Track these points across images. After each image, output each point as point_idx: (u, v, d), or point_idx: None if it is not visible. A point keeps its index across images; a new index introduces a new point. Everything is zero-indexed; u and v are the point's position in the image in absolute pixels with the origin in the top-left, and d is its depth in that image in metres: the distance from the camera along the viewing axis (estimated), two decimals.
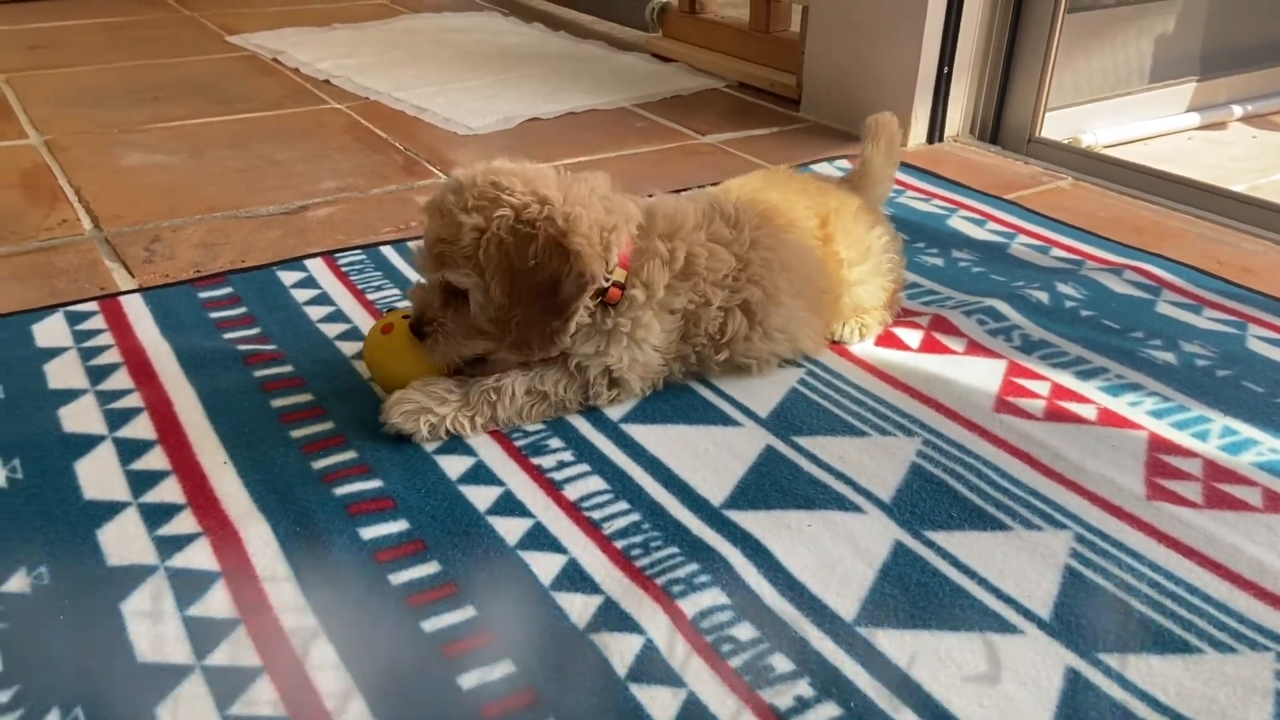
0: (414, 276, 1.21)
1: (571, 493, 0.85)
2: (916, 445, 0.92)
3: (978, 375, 1.03)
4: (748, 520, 0.81)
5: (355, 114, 1.87)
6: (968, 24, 1.72)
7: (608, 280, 0.91)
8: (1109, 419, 0.96)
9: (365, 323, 1.11)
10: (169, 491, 0.82)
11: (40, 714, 0.62)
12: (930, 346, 1.08)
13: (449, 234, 0.87)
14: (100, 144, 1.65)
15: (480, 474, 0.87)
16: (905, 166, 1.65)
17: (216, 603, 0.71)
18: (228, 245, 1.30)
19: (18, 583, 0.72)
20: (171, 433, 0.90)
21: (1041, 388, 1.01)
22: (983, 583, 0.76)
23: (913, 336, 1.10)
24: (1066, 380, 1.02)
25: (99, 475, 0.84)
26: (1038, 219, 1.45)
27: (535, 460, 0.89)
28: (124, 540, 0.77)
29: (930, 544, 0.79)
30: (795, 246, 1.01)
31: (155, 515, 0.80)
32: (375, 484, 0.84)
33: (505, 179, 0.89)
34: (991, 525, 0.82)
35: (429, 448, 0.90)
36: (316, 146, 1.69)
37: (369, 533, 0.79)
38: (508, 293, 0.87)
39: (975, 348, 1.08)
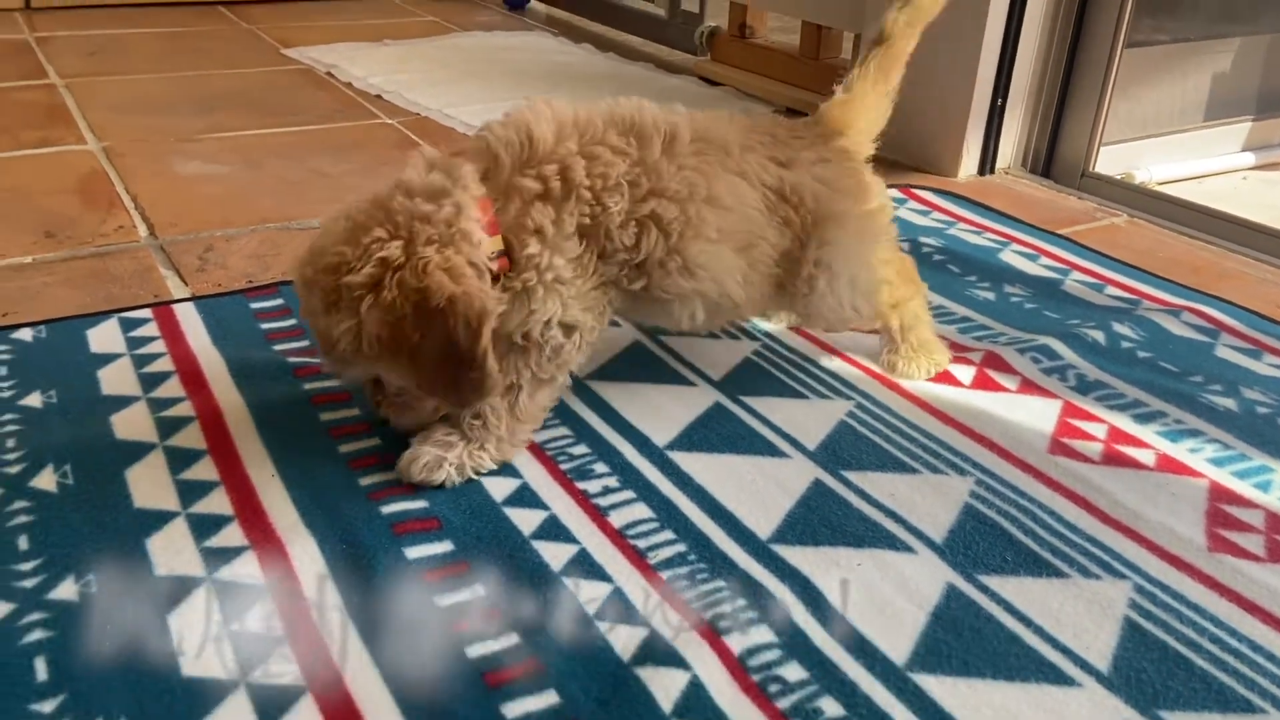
0: None
1: (616, 519, 0.84)
2: (969, 485, 0.90)
3: (1032, 415, 1.01)
4: (796, 556, 0.80)
5: (406, 129, 1.89)
6: (1023, 55, 1.71)
7: (490, 261, 0.82)
8: (1168, 465, 0.94)
9: None
10: (218, 503, 0.83)
11: None
12: (982, 383, 1.06)
13: (326, 343, 0.82)
14: (157, 152, 1.68)
15: (525, 497, 0.86)
16: (955, 197, 1.64)
17: (262, 618, 0.71)
18: (279, 256, 1.31)
19: (66, 590, 0.73)
20: (221, 443, 0.90)
21: (1098, 430, 0.99)
22: (1039, 631, 0.74)
23: (965, 372, 1.08)
24: (1124, 423, 1.00)
25: (149, 484, 0.84)
26: (1092, 255, 1.42)
27: (580, 485, 0.88)
28: (172, 551, 0.77)
29: (984, 588, 0.78)
30: (733, 185, 0.91)
31: (204, 526, 0.80)
32: (421, 504, 0.84)
33: (329, 254, 0.80)
34: (1048, 572, 0.80)
35: None
36: (368, 161, 1.70)
37: (414, 552, 0.78)
38: (415, 372, 0.81)
39: (1029, 386, 1.06)
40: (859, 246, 0.99)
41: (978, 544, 0.83)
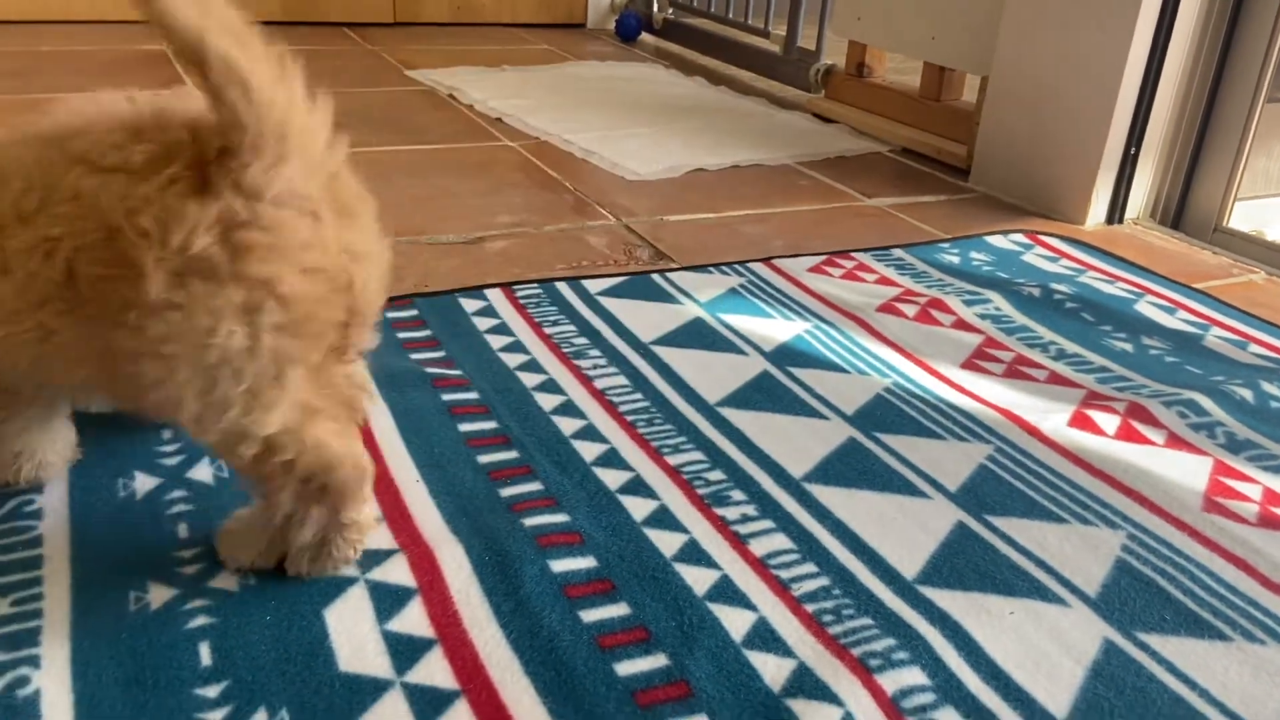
0: (589, 315, 1.22)
1: (757, 548, 0.83)
2: (1121, 539, 0.87)
3: (1182, 470, 0.97)
4: (944, 599, 0.78)
5: (526, 152, 1.92)
6: (1160, 105, 1.67)
7: None
8: None
9: (545, 357, 1.11)
10: None
11: (248, 712, 0.63)
12: (1128, 434, 1.03)
13: None
14: None
15: (665, 519, 0.85)
16: (1084, 245, 1.60)
17: (414, 620, 0.72)
18: (411, 269, 1.33)
19: (225, 580, 0.74)
20: (368, 444, 0.91)
21: (1252, 491, 0.95)
22: (1204, 694, 0.70)
23: (1109, 421, 1.05)
24: (1279, 485, 0.96)
25: None
26: (1232, 312, 1.37)
27: (718, 510, 0.87)
28: None
29: (1143, 646, 0.75)
30: None
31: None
32: (563, 517, 0.84)
33: None
34: (1209, 634, 0.76)
35: (612, 487, 0.89)
36: (491, 182, 1.73)
37: (559, 566, 0.78)
38: None
39: (1176, 441, 1.02)
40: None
41: (1134, 600, 0.80)
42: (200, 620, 0.70)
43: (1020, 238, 1.63)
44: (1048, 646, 0.74)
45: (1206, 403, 1.09)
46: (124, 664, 0.66)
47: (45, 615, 0.69)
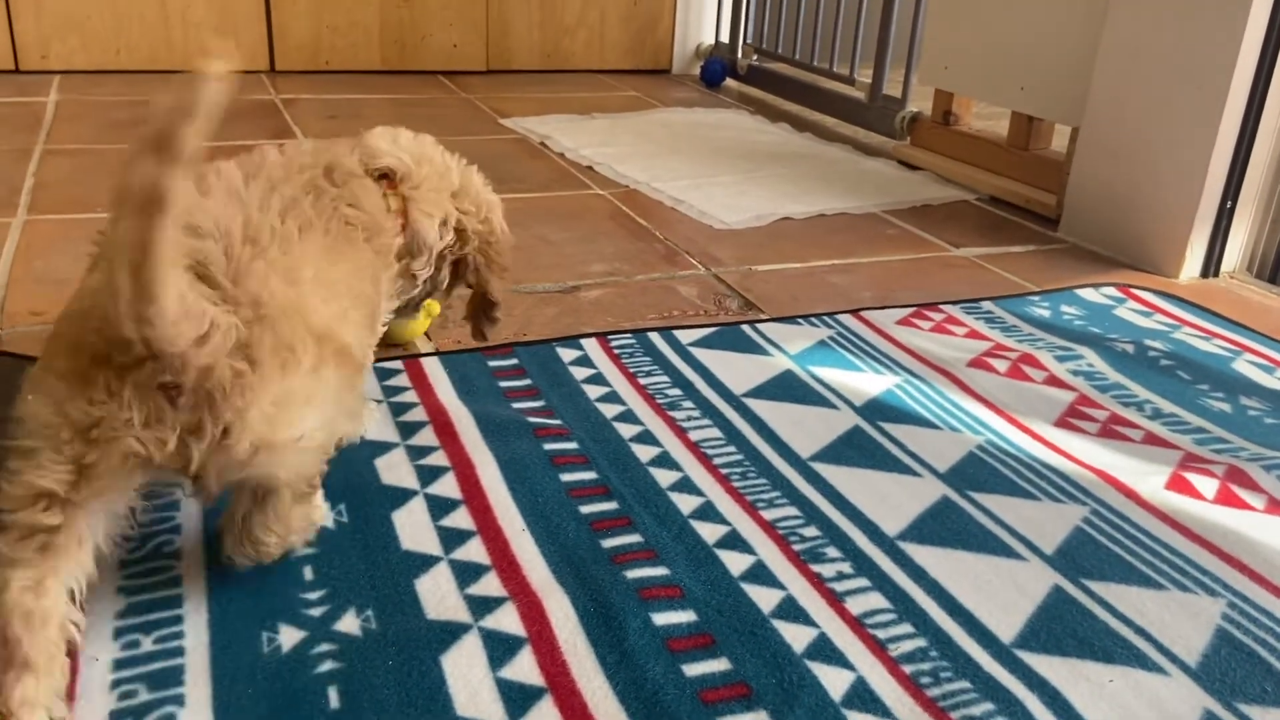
0: (681, 366, 1.26)
1: (854, 606, 0.84)
2: (1221, 607, 0.86)
3: None
4: (1042, 665, 0.79)
5: (617, 201, 1.97)
6: (1258, 157, 1.65)
7: None
8: None
9: (641, 408, 1.15)
10: (475, 551, 0.88)
11: None
12: (1227, 499, 1.02)
13: None
14: None
15: (762, 574, 0.88)
16: (1178, 300, 1.58)
17: (525, 668, 0.75)
18: (510, 318, 1.39)
19: (349, 623, 0.79)
20: (475, 495, 0.96)
21: None
22: None
23: (1207, 485, 1.04)
24: None
25: (413, 528, 0.91)
26: None
27: (814, 567, 0.89)
28: (439, 595, 0.82)
29: (1245, 719, 0.74)
30: None
31: (465, 573, 0.85)
32: (663, 571, 0.87)
33: None
34: None
35: (709, 540, 0.92)
36: (584, 230, 1.78)
37: (660, 619, 0.81)
38: None
39: (1277, 506, 1.01)
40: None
41: (1235, 671, 0.79)
42: (328, 665, 0.74)
43: (1112, 291, 1.62)
44: (1148, 716, 0.74)
45: None
46: (260, 706, 0.70)
47: (186, 654, 0.75)
